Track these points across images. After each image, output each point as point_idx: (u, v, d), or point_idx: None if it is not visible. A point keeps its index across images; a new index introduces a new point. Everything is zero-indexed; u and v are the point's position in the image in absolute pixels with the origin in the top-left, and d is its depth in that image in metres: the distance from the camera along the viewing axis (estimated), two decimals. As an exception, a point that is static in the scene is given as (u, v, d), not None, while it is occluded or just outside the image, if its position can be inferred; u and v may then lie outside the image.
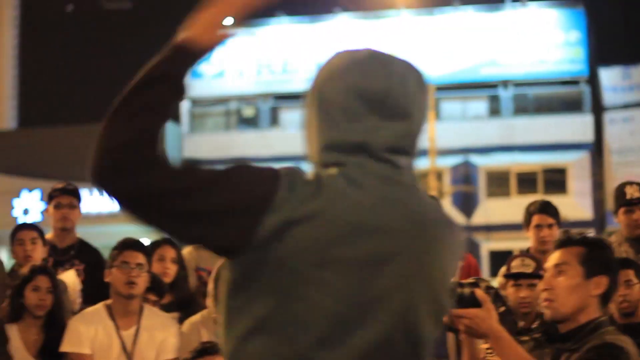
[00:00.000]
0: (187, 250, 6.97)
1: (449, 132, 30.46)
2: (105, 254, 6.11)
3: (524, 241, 6.95)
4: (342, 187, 2.08)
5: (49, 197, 6.85)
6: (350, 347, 2.05)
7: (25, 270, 5.85)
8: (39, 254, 6.39)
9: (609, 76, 31.83)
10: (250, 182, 2.04)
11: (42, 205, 24.05)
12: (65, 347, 5.50)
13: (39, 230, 6.48)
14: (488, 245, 30.02)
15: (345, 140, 2.15)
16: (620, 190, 6.57)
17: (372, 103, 2.16)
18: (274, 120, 33.04)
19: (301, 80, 29.37)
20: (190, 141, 31.33)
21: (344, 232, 2.05)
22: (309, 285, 2.04)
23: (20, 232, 6.45)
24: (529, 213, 6.56)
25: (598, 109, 31.92)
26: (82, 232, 6.99)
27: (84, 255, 6.70)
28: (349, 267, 2.05)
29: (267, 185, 2.04)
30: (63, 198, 6.74)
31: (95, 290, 5.98)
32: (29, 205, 25.75)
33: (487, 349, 4.11)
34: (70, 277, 6.33)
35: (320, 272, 2.04)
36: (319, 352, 2.04)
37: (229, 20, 2.11)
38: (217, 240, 2.05)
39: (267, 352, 2.04)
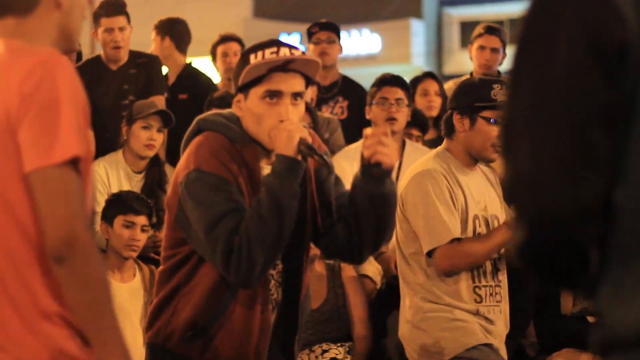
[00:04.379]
0: (446, 86, 6.88)
1: None
2: (365, 97, 6.07)
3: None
4: None
5: (308, 35, 6.87)
6: None
7: None
8: (309, 95, 6.41)
9: None
10: None
11: (301, 49, 24.37)
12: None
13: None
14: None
15: None
16: None
17: None
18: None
19: None
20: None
21: None
22: None
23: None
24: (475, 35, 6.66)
25: None
26: (340, 75, 6.97)
27: (348, 92, 6.70)
28: None
29: None
30: (322, 34, 6.73)
31: (359, 126, 5.97)
32: (289, 49, 26.18)
33: None
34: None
35: None
36: None
37: None
38: None
39: None
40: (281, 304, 3.23)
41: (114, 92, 6.17)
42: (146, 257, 5.45)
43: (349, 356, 5.23)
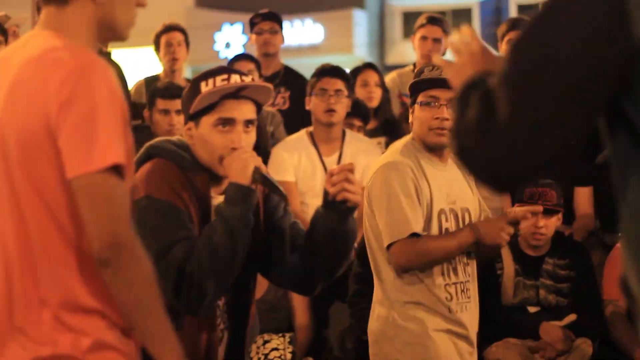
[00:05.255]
0: (389, 77, 6.90)
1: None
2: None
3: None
4: None
5: (251, 25, 6.86)
6: None
7: None
8: None
9: None
10: None
11: (243, 39, 24.30)
12: (270, 174, 5.56)
13: (256, 61, 6.39)
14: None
15: None
16: None
17: None
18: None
19: None
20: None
21: None
22: None
23: (236, 63, 6.23)
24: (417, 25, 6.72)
25: None
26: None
27: (290, 83, 6.69)
28: None
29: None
30: (264, 24, 6.73)
31: (301, 117, 5.96)
32: (231, 38, 26.08)
33: None
34: None
35: None
36: None
37: None
38: None
39: None
40: (227, 334, 3.20)
41: None
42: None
43: (290, 346, 5.23)
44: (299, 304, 5.31)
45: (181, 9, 26.11)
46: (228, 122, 3.08)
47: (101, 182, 2.19)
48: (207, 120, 3.09)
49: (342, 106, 5.60)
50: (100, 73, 2.23)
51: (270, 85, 3.22)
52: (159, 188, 3.00)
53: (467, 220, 4.02)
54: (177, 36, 6.84)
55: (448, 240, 3.94)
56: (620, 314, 5.20)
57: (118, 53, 6.88)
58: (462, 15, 28.47)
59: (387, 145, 5.94)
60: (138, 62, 16.31)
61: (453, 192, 4.03)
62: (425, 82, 3.99)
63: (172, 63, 6.79)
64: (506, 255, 5.22)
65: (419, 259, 3.94)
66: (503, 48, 6.65)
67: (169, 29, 6.87)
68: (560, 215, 5.19)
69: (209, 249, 2.94)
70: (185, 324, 3.03)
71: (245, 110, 3.10)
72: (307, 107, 5.68)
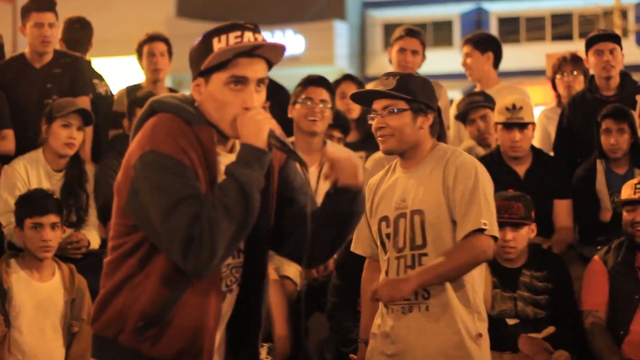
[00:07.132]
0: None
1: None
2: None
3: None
4: None
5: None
6: None
7: None
8: None
9: None
10: None
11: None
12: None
13: None
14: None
15: None
16: None
17: None
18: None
19: None
20: None
21: None
22: None
23: None
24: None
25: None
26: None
27: (270, 93, 6.64)
28: None
29: None
30: None
31: (281, 127, 5.97)
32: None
33: None
34: None
35: None
36: None
37: None
38: None
39: None
40: (241, 296, 3.10)
41: (38, 91, 6.12)
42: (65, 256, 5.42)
43: (269, 357, 5.23)
44: (278, 315, 5.30)
45: (162, 18, 26.13)
46: (241, 81, 2.97)
47: None
48: (219, 77, 2.98)
49: (326, 116, 5.63)
50: None
51: (284, 44, 3.13)
52: (164, 142, 2.90)
53: (415, 222, 3.91)
54: (160, 46, 6.82)
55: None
56: (600, 325, 5.22)
57: (99, 62, 6.88)
58: (442, 27, 28.59)
59: (365, 158, 5.96)
60: (119, 71, 16.29)
61: (410, 195, 3.96)
62: None
63: (154, 73, 6.77)
64: (483, 267, 5.24)
65: None
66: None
67: (152, 38, 6.84)
68: (533, 227, 5.18)
69: (221, 210, 2.83)
70: (193, 283, 2.95)
71: (258, 69, 3.01)
72: (290, 115, 5.69)
